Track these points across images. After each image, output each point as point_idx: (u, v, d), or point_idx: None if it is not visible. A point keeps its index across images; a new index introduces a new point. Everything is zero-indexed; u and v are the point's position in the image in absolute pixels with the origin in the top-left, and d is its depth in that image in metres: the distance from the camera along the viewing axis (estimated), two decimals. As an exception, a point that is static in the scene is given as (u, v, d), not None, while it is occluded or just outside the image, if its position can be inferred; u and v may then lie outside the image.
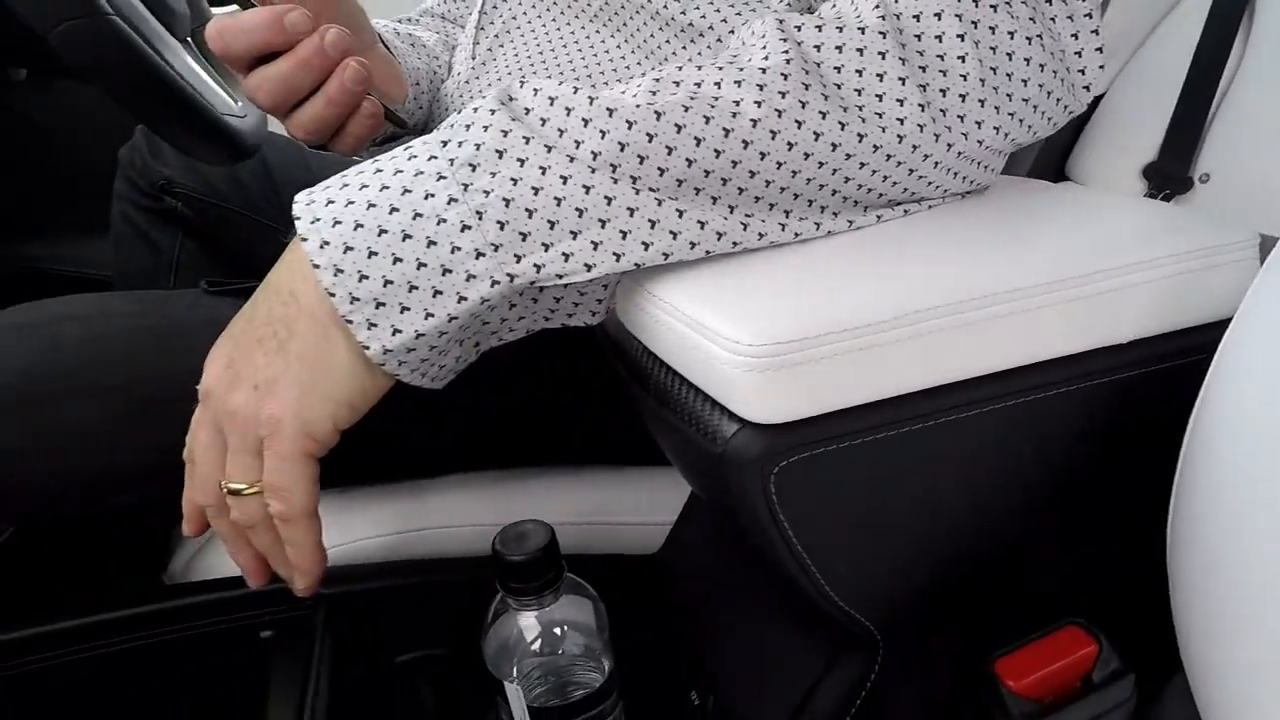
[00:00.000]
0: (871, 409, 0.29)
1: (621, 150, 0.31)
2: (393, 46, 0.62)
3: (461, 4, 0.73)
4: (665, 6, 0.48)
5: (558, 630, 0.42)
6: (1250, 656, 0.24)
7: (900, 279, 0.29)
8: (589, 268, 0.32)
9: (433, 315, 0.32)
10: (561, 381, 0.55)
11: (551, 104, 0.32)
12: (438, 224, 0.31)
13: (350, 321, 0.32)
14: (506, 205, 0.31)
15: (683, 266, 0.33)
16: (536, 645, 0.42)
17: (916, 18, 0.34)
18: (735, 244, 0.33)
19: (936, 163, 0.34)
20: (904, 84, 0.33)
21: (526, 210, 0.31)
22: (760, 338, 0.27)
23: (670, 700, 0.51)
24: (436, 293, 0.31)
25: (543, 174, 0.31)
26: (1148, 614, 0.32)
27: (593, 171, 0.31)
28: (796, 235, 0.34)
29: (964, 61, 0.34)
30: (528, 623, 0.41)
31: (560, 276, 0.32)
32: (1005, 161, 0.38)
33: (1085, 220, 0.35)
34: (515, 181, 0.31)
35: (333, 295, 0.31)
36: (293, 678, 0.46)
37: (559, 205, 0.31)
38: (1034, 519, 0.35)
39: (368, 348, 0.32)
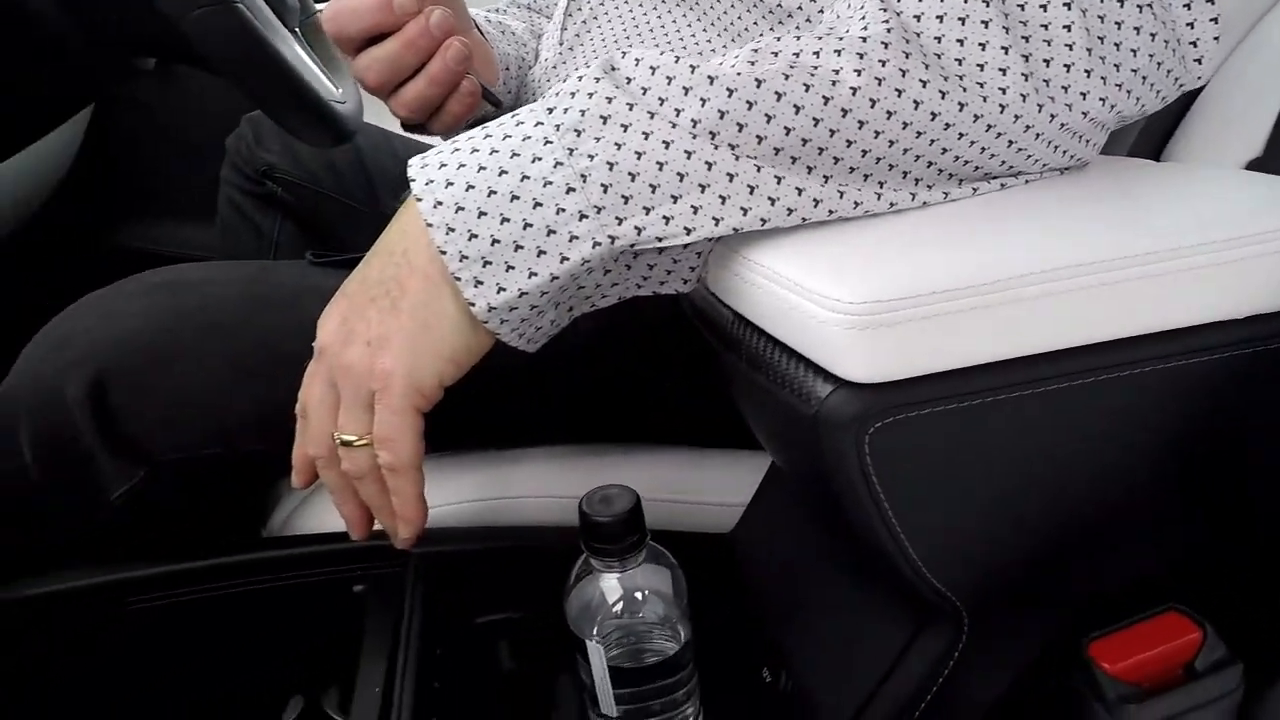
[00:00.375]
0: (973, 373, 0.29)
1: (721, 118, 0.32)
2: (485, 32, 0.64)
3: None
4: None
5: (638, 595, 0.43)
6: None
7: (1007, 243, 0.29)
8: (688, 231, 0.32)
9: (535, 274, 0.33)
10: (646, 358, 0.56)
11: (653, 73, 0.33)
12: (543, 186, 0.32)
13: (459, 279, 0.34)
14: (610, 169, 0.32)
15: (779, 233, 0.33)
16: (617, 608, 0.43)
17: None
18: (831, 212, 0.33)
19: (1038, 134, 0.34)
20: (1007, 53, 0.32)
21: (629, 174, 0.32)
22: (862, 295, 0.27)
23: (742, 678, 0.52)
24: (540, 253, 0.33)
25: (645, 139, 0.32)
26: (1258, 604, 0.31)
27: (694, 138, 0.32)
28: (891, 205, 0.34)
29: (1070, 30, 0.33)
30: (609, 585, 0.43)
31: (659, 240, 0.33)
32: (1106, 138, 0.37)
33: (1202, 191, 0.34)
34: (619, 146, 0.32)
35: (444, 253, 0.33)
36: (384, 631, 0.48)
37: (660, 170, 0.32)
38: (1137, 497, 0.34)
39: (473, 305, 0.34)
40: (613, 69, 0.34)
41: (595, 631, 0.43)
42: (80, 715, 0.49)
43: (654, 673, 0.44)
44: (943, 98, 0.32)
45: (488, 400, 0.53)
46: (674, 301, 0.54)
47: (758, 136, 0.32)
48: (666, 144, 0.32)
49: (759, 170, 0.32)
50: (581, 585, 0.43)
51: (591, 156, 0.32)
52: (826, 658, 0.43)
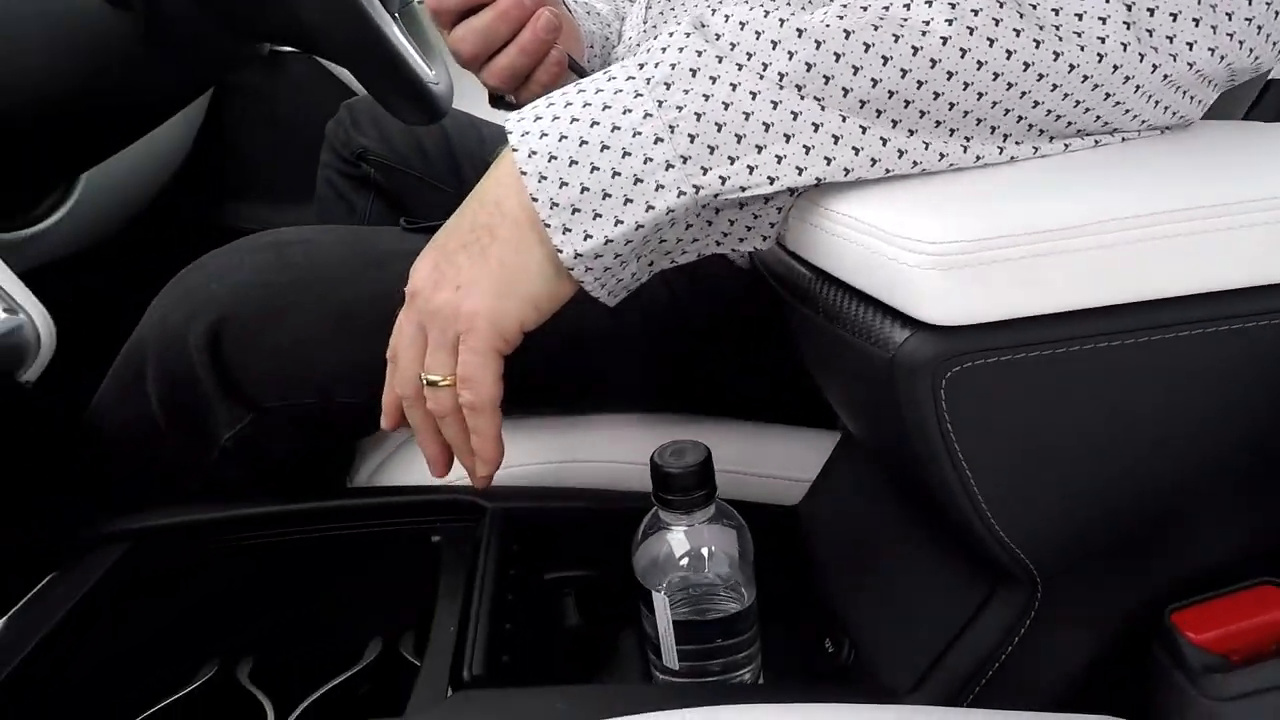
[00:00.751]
0: (1057, 320, 0.28)
1: (808, 70, 0.33)
2: (571, 9, 0.67)
3: None
4: None
5: (704, 551, 0.44)
6: None
7: (1096, 189, 0.29)
8: (771, 181, 0.33)
9: (621, 223, 0.35)
10: (720, 332, 0.57)
11: (742, 27, 0.34)
12: (633, 136, 0.34)
13: (548, 226, 0.35)
14: (697, 119, 0.33)
15: (859, 185, 0.34)
16: (684, 561, 0.44)
17: None
18: (916, 164, 0.33)
19: (1138, 87, 0.33)
20: (1107, 1, 0.32)
21: (715, 125, 0.33)
22: (941, 235, 0.27)
23: (804, 647, 0.52)
24: (627, 201, 0.34)
25: (732, 90, 0.33)
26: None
27: (780, 89, 0.33)
28: (978, 159, 0.34)
29: None
30: (677, 538, 0.44)
31: (743, 189, 0.34)
32: (1215, 97, 0.36)
33: None
34: (706, 98, 0.33)
35: (535, 200, 0.35)
36: (459, 579, 0.50)
37: (746, 120, 0.33)
38: (1229, 463, 0.33)
39: (560, 251, 0.36)
40: (702, 25, 0.35)
41: (662, 584, 0.44)
42: (169, 649, 0.53)
43: (716, 629, 0.45)
44: (1037, 47, 0.32)
45: (567, 366, 0.56)
46: (751, 275, 0.55)
47: (844, 89, 0.33)
48: (753, 95, 0.33)
49: (844, 121, 0.33)
50: (650, 539, 0.44)
51: (679, 108, 0.33)
52: (890, 628, 0.43)
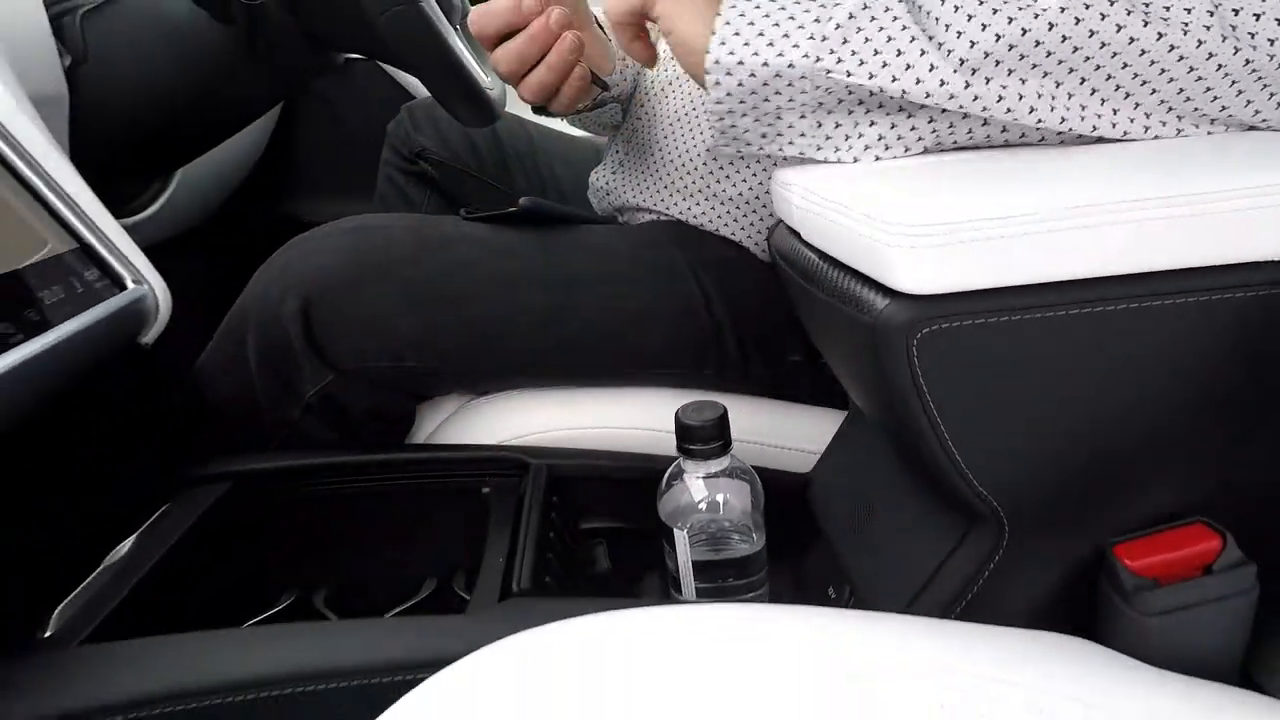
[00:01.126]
0: (1011, 292, 0.35)
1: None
2: (603, 26, 0.74)
3: None
4: None
5: (720, 496, 0.51)
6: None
7: (1054, 181, 0.35)
8: (870, 77, 0.42)
9: (757, 54, 0.44)
10: (742, 321, 0.64)
11: None
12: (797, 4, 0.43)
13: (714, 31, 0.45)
14: (850, 17, 0.42)
15: (854, 177, 0.40)
16: (702, 504, 0.50)
17: None
18: (985, 107, 0.41)
19: (1226, 73, 0.38)
20: None
21: (857, 28, 0.42)
22: (915, 219, 0.34)
23: (810, 594, 0.58)
24: (769, 44, 0.43)
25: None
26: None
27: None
28: (1062, 121, 0.41)
29: None
30: (697, 485, 0.50)
31: (872, 76, 0.42)
32: None
33: None
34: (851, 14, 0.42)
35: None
36: (506, 524, 0.57)
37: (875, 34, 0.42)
38: (1169, 424, 0.38)
39: (709, 51, 0.45)
40: None
41: (683, 524, 0.50)
42: (257, 576, 0.62)
43: (729, 568, 0.51)
44: (1144, 26, 0.38)
45: (612, 343, 0.63)
46: (769, 270, 0.61)
47: (970, 41, 0.40)
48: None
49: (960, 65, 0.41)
50: (674, 484, 0.51)
51: (838, 4, 0.43)
52: (882, 570, 0.49)
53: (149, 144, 0.74)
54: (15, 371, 0.43)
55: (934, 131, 0.44)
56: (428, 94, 0.92)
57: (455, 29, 0.80)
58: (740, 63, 0.45)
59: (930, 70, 0.41)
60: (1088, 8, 0.38)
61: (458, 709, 0.30)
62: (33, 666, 0.41)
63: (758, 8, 0.45)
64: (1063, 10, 0.38)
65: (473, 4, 0.99)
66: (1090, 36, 0.38)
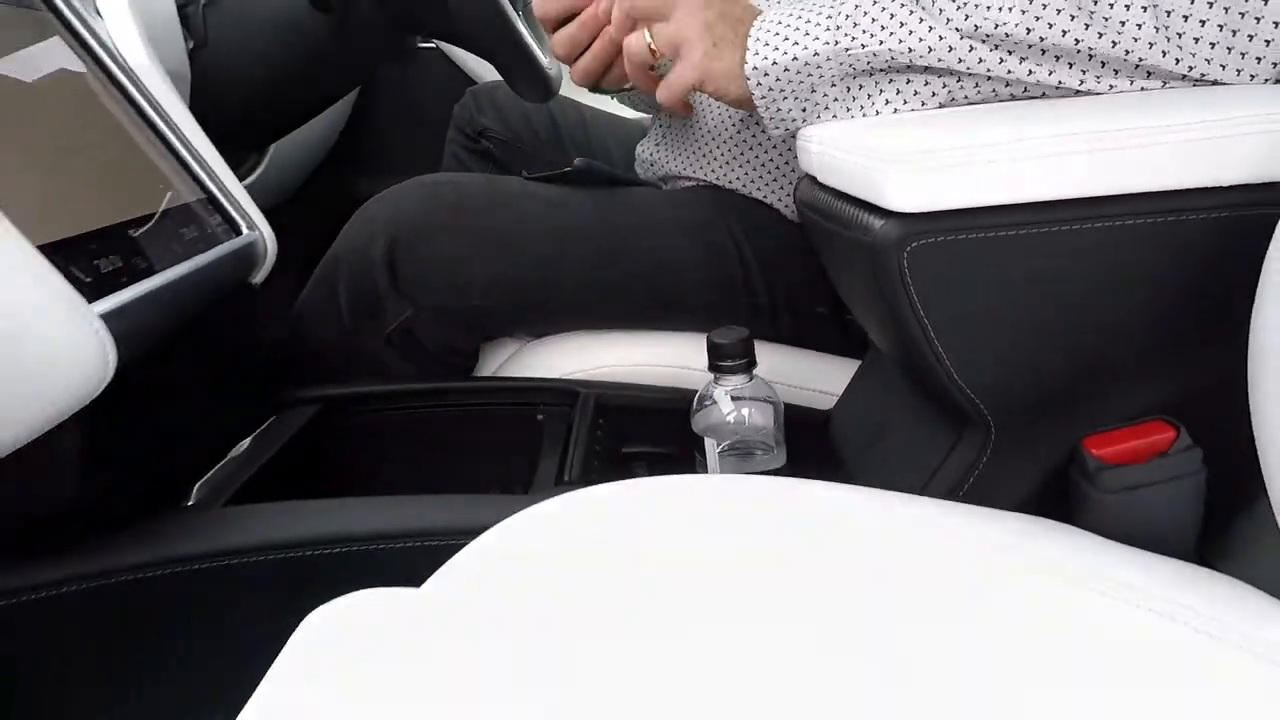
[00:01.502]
0: (985, 211, 0.41)
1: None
2: None
3: None
4: None
5: (745, 412, 0.58)
6: None
7: (1023, 120, 0.41)
8: (903, 43, 0.49)
9: (786, 53, 0.52)
10: (773, 273, 0.71)
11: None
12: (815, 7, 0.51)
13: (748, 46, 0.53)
14: (856, 7, 0.50)
15: (861, 127, 0.47)
16: (730, 417, 0.58)
17: None
18: (988, 71, 0.48)
19: (1186, 16, 0.43)
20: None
21: (865, 13, 0.50)
22: (902, 148, 0.40)
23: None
24: (795, 43, 0.52)
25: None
26: (1241, 432, 0.40)
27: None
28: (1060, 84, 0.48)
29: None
30: (725, 400, 0.58)
31: (883, 44, 0.49)
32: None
33: (1234, 94, 0.43)
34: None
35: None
36: (557, 445, 0.66)
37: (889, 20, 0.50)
38: (1131, 335, 0.44)
39: (747, 62, 0.54)
40: None
41: (713, 434, 0.58)
42: (343, 485, 0.71)
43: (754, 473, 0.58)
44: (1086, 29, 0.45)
45: (657, 290, 0.71)
46: (797, 229, 0.68)
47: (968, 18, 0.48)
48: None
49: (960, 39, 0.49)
50: (705, 401, 0.59)
51: (856, 6, 0.51)
52: (891, 476, 0.56)
53: (253, 119, 0.84)
54: (152, 294, 0.52)
55: (945, 88, 0.50)
56: (489, 79, 1.01)
57: (519, 13, 0.89)
58: (774, 63, 0.54)
59: (937, 36, 0.48)
60: (1037, 20, 0.46)
61: (513, 543, 0.38)
62: (182, 523, 0.51)
63: (778, 22, 0.54)
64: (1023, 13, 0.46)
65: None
66: (1050, 29, 0.46)
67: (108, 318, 0.43)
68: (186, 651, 0.48)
